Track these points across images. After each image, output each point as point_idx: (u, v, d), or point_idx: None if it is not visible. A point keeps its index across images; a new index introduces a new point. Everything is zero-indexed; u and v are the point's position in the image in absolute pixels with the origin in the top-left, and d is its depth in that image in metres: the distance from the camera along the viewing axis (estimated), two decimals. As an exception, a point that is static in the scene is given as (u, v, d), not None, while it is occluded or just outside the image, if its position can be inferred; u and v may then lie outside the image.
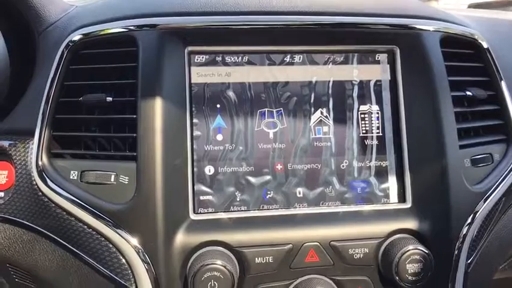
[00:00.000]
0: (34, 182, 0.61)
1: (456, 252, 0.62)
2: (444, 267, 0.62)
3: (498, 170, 0.68)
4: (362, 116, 0.66)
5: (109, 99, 0.61)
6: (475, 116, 0.71)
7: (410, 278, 0.58)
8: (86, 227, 0.59)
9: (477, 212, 0.65)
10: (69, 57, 0.63)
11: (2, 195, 0.64)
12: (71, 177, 0.60)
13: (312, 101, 0.65)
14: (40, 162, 0.61)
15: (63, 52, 0.63)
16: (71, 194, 0.59)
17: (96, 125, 0.63)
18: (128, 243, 0.56)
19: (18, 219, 0.63)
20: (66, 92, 0.63)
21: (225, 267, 0.54)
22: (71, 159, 0.62)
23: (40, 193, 0.61)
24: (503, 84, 0.73)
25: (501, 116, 0.72)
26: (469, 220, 0.63)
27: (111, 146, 0.62)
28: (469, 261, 0.64)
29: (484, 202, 0.65)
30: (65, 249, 0.61)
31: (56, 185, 0.59)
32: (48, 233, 0.62)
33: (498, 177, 0.67)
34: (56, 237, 0.61)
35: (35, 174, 0.60)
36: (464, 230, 0.63)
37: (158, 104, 0.59)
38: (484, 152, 0.68)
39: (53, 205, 0.60)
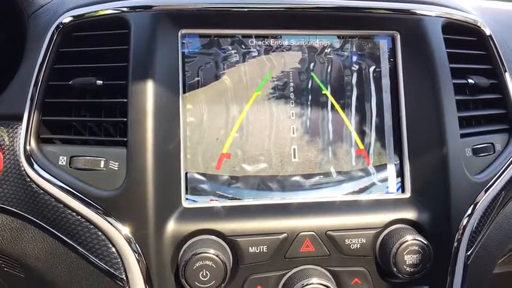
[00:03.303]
0: (22, 168, 0.59)
1: (456, 243, 0.60)
2: (443, 259, 0.60)
3: (500, 160, 0.66)
4: (361, 103, 0.65)
5: (99, 82, 0.59)
6: (476, 104, 0.69)
7: (408, 269, 0.56)
8: (74, 214, 0.57)
9: (477, 203, 0.63)
10: (59, 40, 0.61)
11: (-10, 182, 0.62)
12: (60, 162, 0.58)
13: (309, 87, 0.64)
14: (28, 147, 0.59)
15: (53, 34, 0.61)
16: (59, 180, 0.57)
17: (86, 109, 0.61)
18: (118, 232, 0.55)
19: (6, 207, 0.61)
20: (55, 75, 0.61)
21: (217, 256, 0.53)
22: (60, 145, 0.60)
23: (28, 179, 0.59)
24: (506, 73, 0.71)
25: (503, 105, 0.70)
26: (469, 211, 0.62)
27: (102, 131, 0.60)
28: (468, 253, 0.63)
29: (485, 193, 0.64)
30: (54, 237, 0.59)
31: (44, 170, 0.58)
32: (37, 220, 0.60)
33: (500, 168, 0.65)
34: (44, 225, 0.60)
35: (22, 159, 0.59)
36: (464, 221, 0.61)
37: (150, 87, 0.57)
38: (486, 142, 0.67)
39: (41, 191, 0.58)
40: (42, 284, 0.66)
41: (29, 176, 0.59)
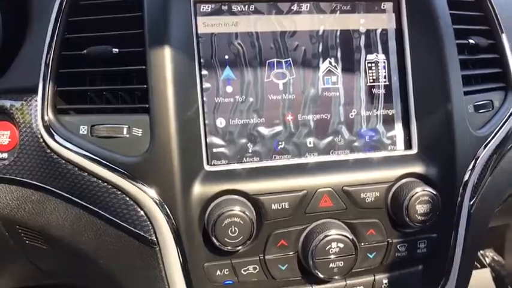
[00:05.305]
0: (41, 140, 0.59)
1: (461, 192, 0.65)
2: (449, 208, 0.64)
3: (498, 116, 0.70)
4: (369, 65, 0.67)
5: (115, 50, 0.59)
6: (475, 64, 0.73)
7: (420, 218, 0.60)
8: (100, 181, 0.58)
9: (479, 156, 0.67)
10: (67, 9, 0.60)
11: (6, 156, 0.62)
12: (81, 132, 0.58)
13: (320, 50, 0.65)
14: (46, 118, 0.59)
15: (61, 3, 0.60)
16: (82, 149, 0.58)
17: (101, 79, 0.61)
18: (146, 195, 0.56)
19: (25, 180, 0.62)
20: (67, 45, 0.61)
21: (244, 212, 0.55)
22: (78, 115, 0.60)
23: (48, 150, 0.59)
24: (503, 34, 0.74)
25: (500, 64, 0.74)
26: (472, 163, 0.66)
27: (119, 99, 0.61)
28: (471, 203, 0.67)
29: (485, 147, 0.68)
30: (78, 206, 0.60)
31: (65, 140, 0.58)
32: (59, 192, 0.61)
33: (499, 123, 0.70)
34: (67, 195, 0.60)
35: (41, 130, 0.59)
36: (468, 173, 0.65)
37: (167, 54, 0.57)
38: (485, 99, 0.70)
39: (63, 161, 0.59)
40: (67, 253, 0.67)
41: (49, 147, 0.59)
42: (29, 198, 0.63)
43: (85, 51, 0.60)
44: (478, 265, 1.43)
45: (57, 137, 0.58)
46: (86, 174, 0.58)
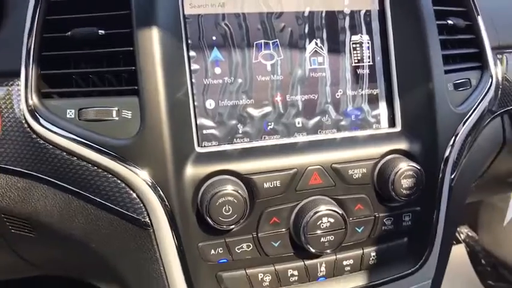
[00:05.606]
0: (26, 125, 0.58)
1: (442, 168, 0.68)
2: (432, 182, 0.67)
3: (476, 94, 0.74)
4: (354, 46, 0.68)
5: (101, 32, 0.58)
6: (453, 44, 0.76)
7: (405, 192, 0.63)
8: (90, 165, 0.57)
9: (458, 133, 0.70)
10: None
11: (-13, 144, 0.60)
12: (68, 116, 0.57)
13: (306, 31, 0.66)
14: (30, 102, 0.57)
15: None
16: (69, 132, 0.57)
17: (87, 61, 0.60)
18: (138, 177, 0.56)
19: (10, 167, 0.60)
20: (49, 27, 0.59)
21: (237, 191, 0.56)
22: (64, 99, 0.59)
23: (34, 135, 0.58)
24: (479, 16, 0.77)
25: (476, 44, 0.77)
26: (452, 139, 0.69)
27: (106, 82, 0.60)
28: (452, 177, 0.70)
29: (464, 124, 0.71)
30: (68, 192, 0.59)
31: (51, 124, 0.57)
32: (47, 177, 0.60)
33: (476, 100, 0.73)
34: (55, 181, 0.59)
35: (26, 114, 0.57)
36: (449, 149, 0.68)
37: (155, 35, 0.57)
38: (464, 77, 0.73)
39: (50, 146, 0.58)
40: (55, 241, 0.66)
41: (35, 132, 0.58)
42: (14, 185, 0.61)
43: (69, 33, 0.58)
44: (454, 241, 1.50)
45: (42, 121, 0.57)
46: (75, 158, 0.57)
